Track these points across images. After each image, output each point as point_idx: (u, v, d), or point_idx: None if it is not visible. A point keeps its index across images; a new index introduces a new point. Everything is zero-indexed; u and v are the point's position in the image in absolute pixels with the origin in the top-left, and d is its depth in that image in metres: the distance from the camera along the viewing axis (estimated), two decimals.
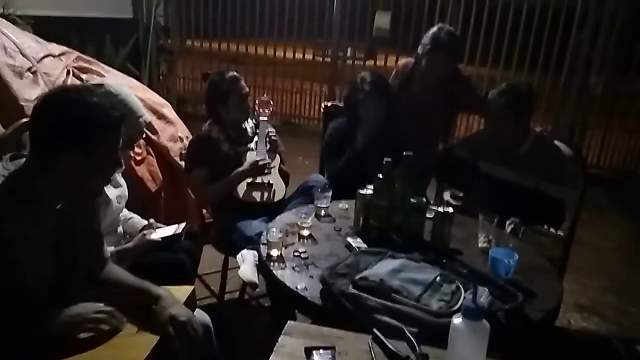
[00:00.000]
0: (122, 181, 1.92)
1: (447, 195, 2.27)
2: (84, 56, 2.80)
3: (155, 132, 2.77)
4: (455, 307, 1.35)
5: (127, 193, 1.95)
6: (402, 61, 2.93)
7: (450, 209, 1.79)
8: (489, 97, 2.35)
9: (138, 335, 1.28)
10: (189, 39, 6.95)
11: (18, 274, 1.19)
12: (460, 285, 1.46)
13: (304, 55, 6.70)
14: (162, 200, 2.72)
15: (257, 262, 1.94)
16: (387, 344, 1.14)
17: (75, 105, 1.21)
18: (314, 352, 1.11)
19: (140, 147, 2.64)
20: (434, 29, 2.55)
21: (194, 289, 1.50)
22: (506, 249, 1.64)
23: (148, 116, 1.89)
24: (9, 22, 2.54)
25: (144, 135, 1.98)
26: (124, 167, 1.90)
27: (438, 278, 1.47)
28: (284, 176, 2.49)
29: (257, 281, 1.92)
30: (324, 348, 1.12)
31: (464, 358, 1.02)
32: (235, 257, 2.10)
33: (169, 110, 3.00)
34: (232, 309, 2.51)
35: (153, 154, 2.76)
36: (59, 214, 1.29)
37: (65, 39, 2.79)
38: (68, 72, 2.55)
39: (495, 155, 2.37)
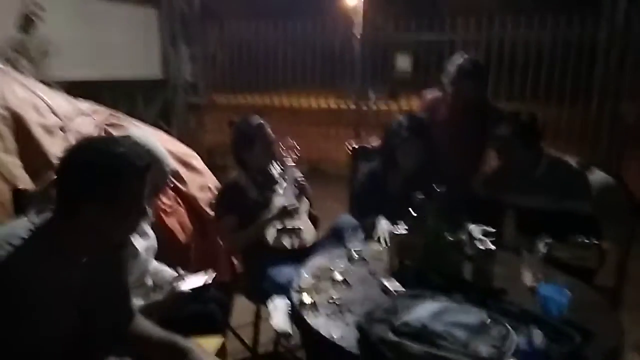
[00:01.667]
0: (150, 232, 1.90)
1: (477, 233, 2.17)
2: (114, 113, 2.87)
3: (184, 182, 2.77)
4: (509, 353, 1.24)
5: (156, 244, 1.93)
6: (428, 95, 2.91)
7: (492, 246, 1.69)
8: (491, 134, 2.30)
9: None
10: (215, 93, 7.16)
11: (39, 330, 1.16)
12: (510, 328, 1.34)
13: (328, 104, 6.84)
14: (192, 251, 2.68)
15: (289, 311, 1.86)
16: None
17: (101, 155, 1.20)
18: None
19: (170, 199, 2.64)
20: (458, 58, 2.58)
21: (224, 341, 1.43)
22: (556, 285, 1.52)
23: (174, 164, 1.89)
24: (41, 83, 2.64)
25: (170, 184, 1.97)
26: (151, 217, 1.89)
27: (486, 320, 1.36)
28: (313, 220, 2.45)
29: (290, 331, 1.84)
30: None
31: None
32: (267, 307, 2.03)
33: (197, 161, 3.01)
34: None
35: (182, 205, 2.75)
36: (84, 268, 1.26)
37: (97, 100, 2.88)
38: (99, 129, 2.61)
39: (514, 185, 2.32)
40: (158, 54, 6.78)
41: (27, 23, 4.37)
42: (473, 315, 1.38)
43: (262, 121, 2.43)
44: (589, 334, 1.38)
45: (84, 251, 1.25)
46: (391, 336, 1.31)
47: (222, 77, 6.97)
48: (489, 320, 1.37)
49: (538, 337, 1.29)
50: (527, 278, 1.71)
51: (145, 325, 1.46)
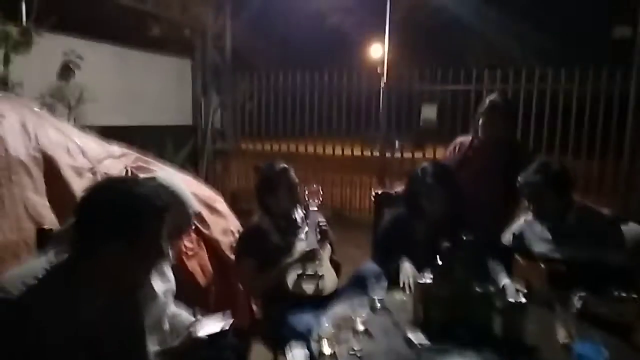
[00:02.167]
0: (170, 275, 1.88)
1: (512, 291, 2.08)
2: (143, 156, 2.94)
3: (206, 225, 2.77)
4: None
5: (174, 288, 1.90)
6: (459, 138, 2.95)
7: (523, 299, 1.60)
8: (521, 179, 2.24)
9: None
10: (243, 140, 7.30)
11: None
12: None
13: (352, 152, 6.90)
14: (212, 294, 2.65)
15: None
16: None
17: (121, 194, 1.21)
18: None
19: (192, 241, 2.64)
20: (490, 96, 2.75)
21: None
22: (592, 343, 1.42)
23: (197, 207, 1.89)
24: (74, 127, 2.73)
25: (192, 227, 1.97)
26: (171, 259, 1.87)
27: None
28: (335, 266, 2.39)
29: None
30: None
31: None
32: (285, 355, 1.96)
33: (221, 204, 3.03)
34: None
35: (204, 248, 2.74)
36: (100, 310, 1.24)
37: (129, 145, 2.96)
38: (127, 172, 2.66)
39: (544, 235, 2.25)
40: (189, 102, 7.01)
41: (66, 71, 4.59)
42: None
43: (286, 166, 2.44)
44: None
45: (99, 292, 1.24)
46: None
47: (250, 125, 7.12)
48: None
49: None
50: (561, 335, 1.60)
51: None
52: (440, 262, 1.71)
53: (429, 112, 6.61)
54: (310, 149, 6.86)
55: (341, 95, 6.54)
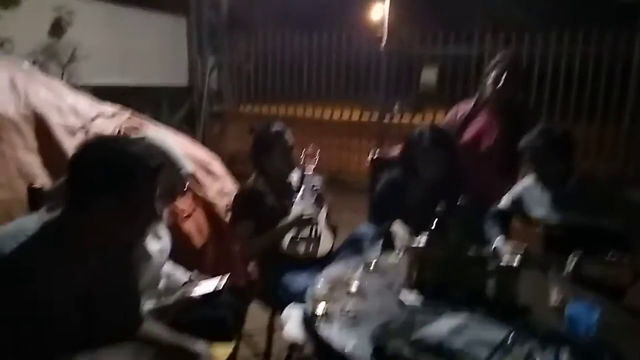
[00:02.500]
0: (164, 235, 1.87)
1: (506, 250, 2.08)
2: (136, 116, 2.89)
3: (202, 186, 2.76)
4: None
5: (169, 247, 1.90)
6: (461, 104, 2.88)
7: (516, 262, 1.60)
8: (523, 143, 2.21)
9: None
10: (240, 103, 7.20)
11: (42, 326, 1.13)
12: (534, 347, 1.26)
13: (351, 116, 6.82)
14: (208, 256, 2.66)
15: (302, 320, 1.81)
16: None
17: (113, 153, 1.19)
18: None
19: (187, 203, 2.63)
20: (499, 56, 2.66)
21: (235, 347, 1.39)
22: (585, 304, 1.43)
23: (190, 168, 1.86)
24: (66, 86, 2.67)
25: (186, 188, 1.95)
26: (165, 220, 1.87)
27: (508, 339, 1.28)
28: (332, 229, 2.39)
29: (303, 341, 1.77)
30: None
31: None
32: (281, 315, 1.98)
33: (216, 166, 3.00)
34: None
35: (199, 209, 2.73)
36: (92, 269, 1.23)
37: (123, 105, 2.91)
38: (119, 131, 2.62)
39: (542, 200, 2.23)
40: (185, 62, 6.87)
41: (57, 28, 4.47)
42: (495, 333, 1.31)
43: (282, 127, 2.40)
44: (618, 356, 1.29)
45: (91, 249, 1.23)
46: (407, 352, 1.24)
47: (247, 87, 7.01)
48: (512, 337, 1.29)
49: (565, 357, 1.21)
50: (554, 297, 1.61)
51: (155, 329, 1.43)
52: (434, 226, 1.70)
53: (429, 75, 6.51)
54: (309, 112, 6.78)
55: (340, 58, 6.41)
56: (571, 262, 1.88)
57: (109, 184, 1.15)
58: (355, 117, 6.78)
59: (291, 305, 1.95)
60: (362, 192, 3.00)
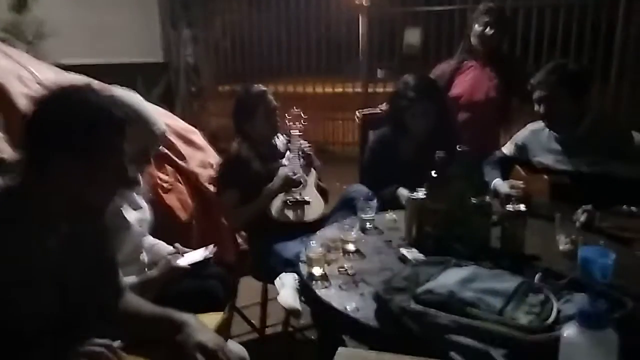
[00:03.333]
0: (143, 203, 1.74)
1: (505, 187, 1.96)
2: (105, 86, 2.71)
3: (183, 158, 2.61)
4: (550, 320, 1.07)
5: (149, 217, 1.77)
6: (439, 65, 2.79)
7: (522, 207, 1.51)
8: (534, 80, 2.03)
9: None
10: (219, 83, 6.98)
11: (20, 308, 1.01)
12: (549, 294, 1.17)
13: (333, 89, 6.67)
14: (194, 229, 2.53)
15: (298, 286, 1.71)
16: None
17: (75, 104, 1.06)
18: None
19: (168, 175, 2.48)
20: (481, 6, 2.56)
21: (227, 317, 1.28)
22: (599, 248, 1.34)
23: (163, 126, 1.70)
24: (26, 54, 2.48)
25: (161, 150, 1.80)
26: (142, 188, 1.73)
27: (522, 286, 1.18)
28: (322, 192, 2.27)
29: (299, 307, 1.69)
30: None
31: None
32: (275, 284, 1.88)
33: (197, 136, 2.85)
34: (275, 344, 2.26)
35: (182, 182, 2.59)
36: (62, 238, 1.10)
37: None
38: None
39: (550, 146, 2.09)
40: (159, 37, 6.59)
41: (19, 3, 4.20)
42: (507, 282, 1.21)
43: (264, 88, 2.27)
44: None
45: (58, 217, 1.09)
46: (414, 305, 1.14)
47: (225, 64, 6.80)
48: (525, 285, 1.19)
49: (583, 302, 1.12)
50: (563, 243, 1.52)
51: (136, 302, 1.31)
52: (433, 174, 1.59)
53: (412, 36, 6.32)
54: (290, 88, 6.61)
55: (319, 27, 6.22)
56: (581, 213, 1.76)
57: (70, 136, 1.01)
58: (339, 88, 6.63)
59: (284, 272, 1.86)
60: (351, 162, 2.92)
